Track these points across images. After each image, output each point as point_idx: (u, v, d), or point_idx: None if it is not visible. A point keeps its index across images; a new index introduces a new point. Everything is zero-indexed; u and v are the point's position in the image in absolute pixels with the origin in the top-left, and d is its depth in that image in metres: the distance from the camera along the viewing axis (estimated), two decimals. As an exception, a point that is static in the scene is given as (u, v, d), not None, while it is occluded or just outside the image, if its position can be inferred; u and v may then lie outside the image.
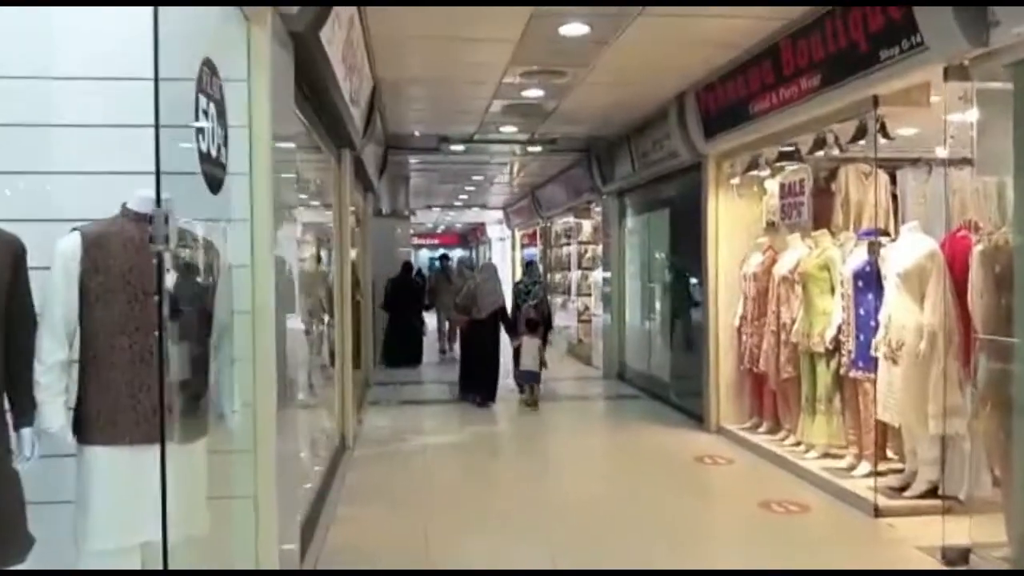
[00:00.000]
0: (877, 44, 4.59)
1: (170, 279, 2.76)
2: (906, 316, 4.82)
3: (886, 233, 5.50)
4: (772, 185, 6.95)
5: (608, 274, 11.40)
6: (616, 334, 11.13)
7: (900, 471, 5.31)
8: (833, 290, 5.79)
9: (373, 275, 11.54)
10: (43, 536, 2.59)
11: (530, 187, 15.92)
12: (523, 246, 20.12)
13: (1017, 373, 3.84)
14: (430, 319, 13.56)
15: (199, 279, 2.93)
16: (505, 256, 22.09)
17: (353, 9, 4.89)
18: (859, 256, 5.46)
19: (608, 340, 11.32)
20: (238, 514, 3.14)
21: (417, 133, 10.35)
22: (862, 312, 5.36)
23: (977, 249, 4.25)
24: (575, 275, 14.52)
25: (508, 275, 16.24)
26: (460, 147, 10.63)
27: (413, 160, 12.23)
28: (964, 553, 4.10)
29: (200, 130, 2.69)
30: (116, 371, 2.62)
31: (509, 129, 9.89)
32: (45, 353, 2.58)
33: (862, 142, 5.50)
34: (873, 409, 5.16)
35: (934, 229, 5.11)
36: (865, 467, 5.43)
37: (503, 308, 9.34)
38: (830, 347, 5.70)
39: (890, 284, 4.99)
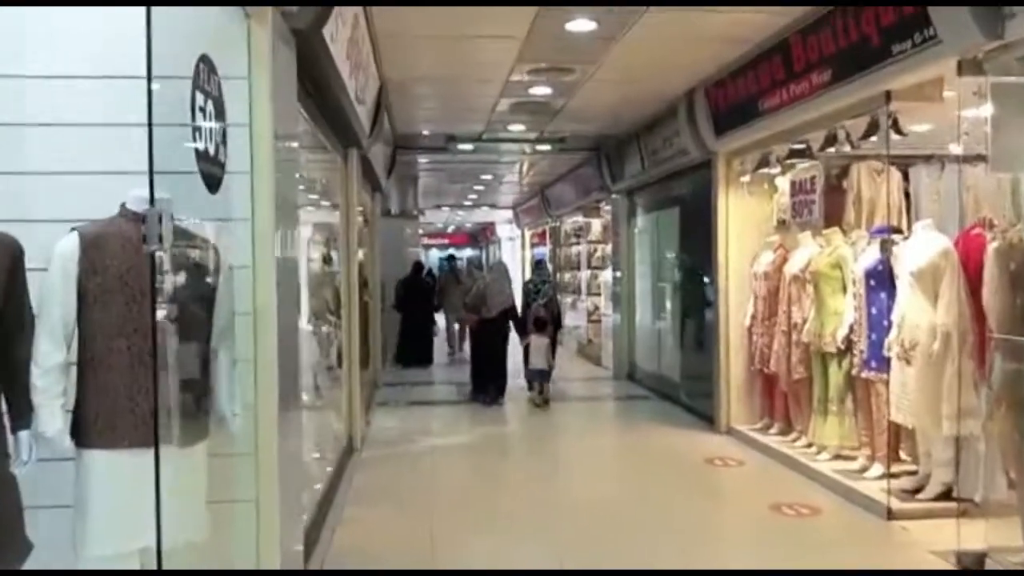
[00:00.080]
0: (889, 38, 4.52)
1: (170, 280, 2.73)
2: (919, 315, 4.75)
3: (899, 231, 5.43)
4: (783, 183, 6.88)
5: (618, 273, 11.34)
6: (626, 334, 11.08)
7: (913, 473, 5.24)
8: (845, 289, 5.72)
9: (382, 276, 11.54)
10: (41, 541, 2.57)
11: (539, 186, 15.88)
12: (533, 245, 20.09)
13: (1033, 373, 3.77)
14: (439, 319, 13.56)
15: (200, 280, 2.89)
16: (515, 255, 22.05)
17: (357, 7, 4.86)
18: (871, 254, 5.39)
19: (618, 340, 11.27)
20: (240, 518, 3.10)
21: (425, 132, 10.32)
22: (874, 311, 5.29)
23: (992, 247, 4.18)
24: (585, 274, 14.46)
25: (518, 274, 16.20)
26: (468, 146, 10.59)
27: (422, 159, 12.21)
28: (979, 557, 4.03)
29: (197, 128, 2.65)
30: (114, 373, 2.59)
31: (517, 128, 9.86)
32: (42, 355, 2.55)
33: (874, 138, 5.44)
34: (886, 410, 5.09)
35: (947, 227, 5.04)
36: (878, 469, 5.36)
37: (513, 307, 9.37)
38: (842, 347, 5.63)
39: (903, 283, 4.93)
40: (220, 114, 2.84)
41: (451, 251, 19.06)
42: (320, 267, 6.33)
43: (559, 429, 8.50)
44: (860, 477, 5.42)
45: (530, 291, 9.66)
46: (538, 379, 9.12)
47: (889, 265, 5.14)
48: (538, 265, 11.36)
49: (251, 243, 3.14)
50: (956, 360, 4.59)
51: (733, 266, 7.37)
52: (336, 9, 4.01)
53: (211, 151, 2.78)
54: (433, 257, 26.20)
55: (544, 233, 18.27)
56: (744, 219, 7.37)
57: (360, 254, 8.03)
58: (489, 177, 15.17)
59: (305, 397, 4.77)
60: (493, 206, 20.91)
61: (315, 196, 6.46)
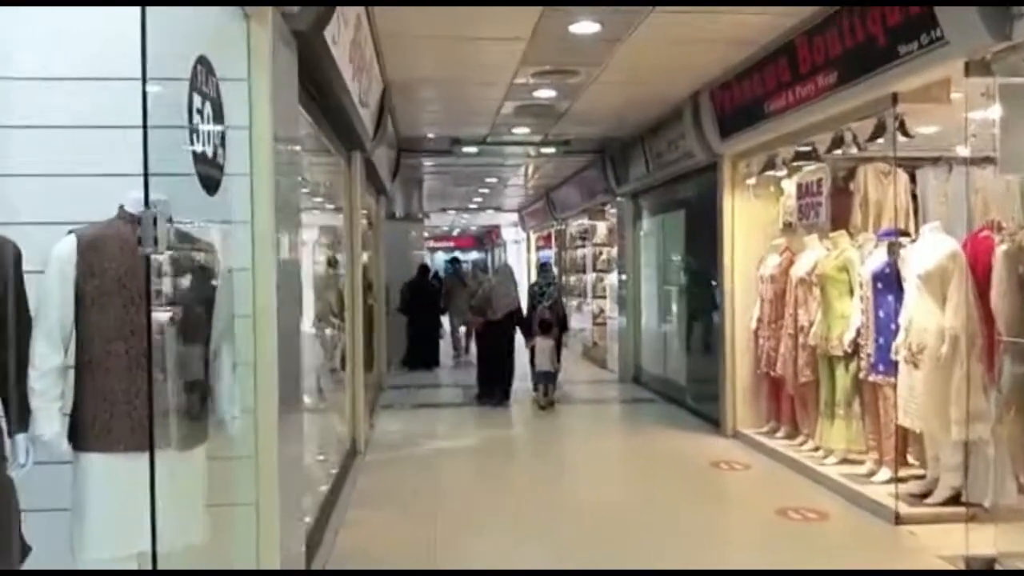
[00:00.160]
0: (896, 39, 4.48)
1: (169, 282, 2.72)
2: (927, 318, 4.71)
3: (906, 234, 5.39)
4: (789, 185, 6.84)
5: (623, 276, 11.31)
6: (631, 337, 11.04)
7: (921, 477, 5.19)
8: (852, 292, 5.68)
9: (387, 278, 11.53)
10: (39, 544, 2.55)
11: (544, 189, 15.86)
12: (538, 248, 20.07)
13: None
14: (445, 322, 13.56)
15: (201, 283, 2.87)
16: (520, 258, 22.04)
17: (360, 8, 4.84)
18: (878, 257, 5.34)
19: (623, 343, 11.23)
20: (240, 521, 3.08)
21: (430, 135, 10.31)
22: (882, 314, 5.25)
23: (1000, 249, 4.16)
24: (590, 277, 14.43)
25: (523, 277, 16.19)
26: (473, 149, 10.58)
27: (427, 162, 12.20)
28: (989, 562, 3.99)
29: (194, 130, 2.63)
30: (112, 376, 2.57)
31: (522, 130, 9.84)
32: (39, 358, 2.54)
33: (881, 140, 5.39)
34: (893, 414, 5.05)
35: (955, 229, 5.00)
36: (885, 473, 5.31)
37: (518, 309, 9.39)
38: (849, 350, 5.59)
39: (911, 286, 4.89)
40: (218, 116, 2.82)
41: (455, 254, 19.05)
42: (325, 270, 6.31)
43: (564, 432, 8.47)
44: (868, 481, 5.37)
45: (535, 294, 9.66)
46: (543, 381, 9.11)
47: (896, 268, 5.10)
48: (543, 268, 11.34)
49: (251, 246, 3.12)
50: (964, 364, 4.54)
51: (739, 269, 7.33)
52: (338, 11, 3.99)
53: (209, 153, 2.76)
54: (439, 261, 26.20)
55: (549, 236, 18.25)
56: (750, 222, 7.33)
57: (364, 257, 8.02)
58: (494, 180, 15.17)
59: (308, 400, 4.76)
60: (498, 209, 20.90)
61: (319, 199, 6.45)
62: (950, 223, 5.12)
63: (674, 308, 9.56)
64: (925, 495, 4.97)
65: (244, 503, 3.09)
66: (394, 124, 8.76)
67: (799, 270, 6.27)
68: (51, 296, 2.56)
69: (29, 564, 2.54)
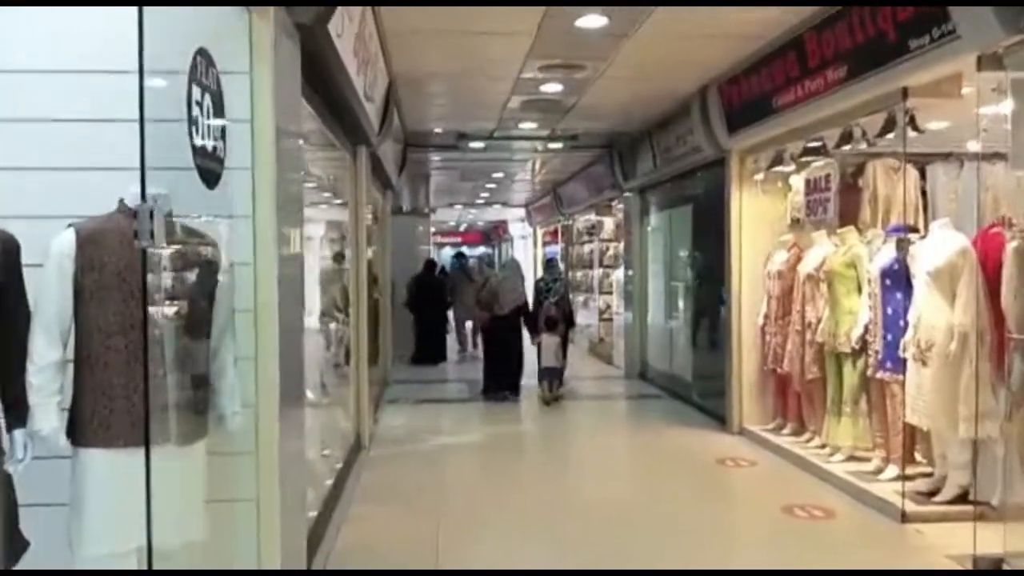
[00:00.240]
0: (906, 33, 4.43)
1: (169, 276, 2.70)
2: (936, 316, 4.66)
3: (915, 230, 5.35)
4: (797, 181, 6.79)
5: (630, 272, 11.27)
6: (638, 333, 11.00)
7: (929, 475, 5.15)
8: (860, 289, 5.63)
9: (393, 273, 11.52)
10: (38, 540, 2.54)
11: (552, 184, 15.81)
12: (545, 244, 20.02)
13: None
14: (451, 317, 13.55)
15: (203, 277, 2.85)
16: (527, 254, 22.00)
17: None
18: (887, 254, 5.29)
19: (630, 339, 11.19)
20: (240, 517, 3.07)
21: (437, 130, 10.27)
22: (890, 311, 5.20)
23: (1011, 246, 4.11)
24: (597, 273, 14.39)
25: (530, 273, 16.17)
26: (480, 144, 10.55)
27: (434, 157, 12.16)
28: (997, 561, 3.95)
29: (194, 123, 2.60)
30: (111, 371, 2.55)
31: (529, 125, 9.80)
32: (38, 353, 2.52)
33: (890, 136, 5.33)
34: (901, 411, 5.00)
35: (965, 226, 4.95)
36: (892, 471, 5.27)
37: (525, 304, 9.39)
38: (856, 347, 5.54)
39: (920, 282, 4.84)
40: (219, 109, 2.79)
41: (462, 249, 19.02)
42: (330, 264, 6.30)
43: (570, 428, 8.46)
44: (874, 479, 5.34)
45: (541, 289, 9.62)
46: (549, 377, 9.10)
47: (905, 264, 5.05)
48: (549, 263, 11.31)
49: (252, 239, 3.10)
50: (974, 361, 4.50)
51: (746, 265, 7.28)
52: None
53: (209, 146, 2.73)
54: (446, 256, 26.18)
55: (556, 231, 18.20)
56: (758, 217, 7.29)
57: (370, 252, 8.00)
58: (501, 175, 15.13)
59: (312, 395, 4.75)
60: (505, 204, 20.85)
61: (326, 194, 6.43)
62: (960, 219, 5.08)
63: (681, 304, 9.52)
64: (932, 493, 4.93)
65: (245, 499, 3.07)
66: (400, 118, 8.73)
67: (807, 266, 6.22)
68: (50, 290, 2.55)
69: (27, 559, 2.53)
